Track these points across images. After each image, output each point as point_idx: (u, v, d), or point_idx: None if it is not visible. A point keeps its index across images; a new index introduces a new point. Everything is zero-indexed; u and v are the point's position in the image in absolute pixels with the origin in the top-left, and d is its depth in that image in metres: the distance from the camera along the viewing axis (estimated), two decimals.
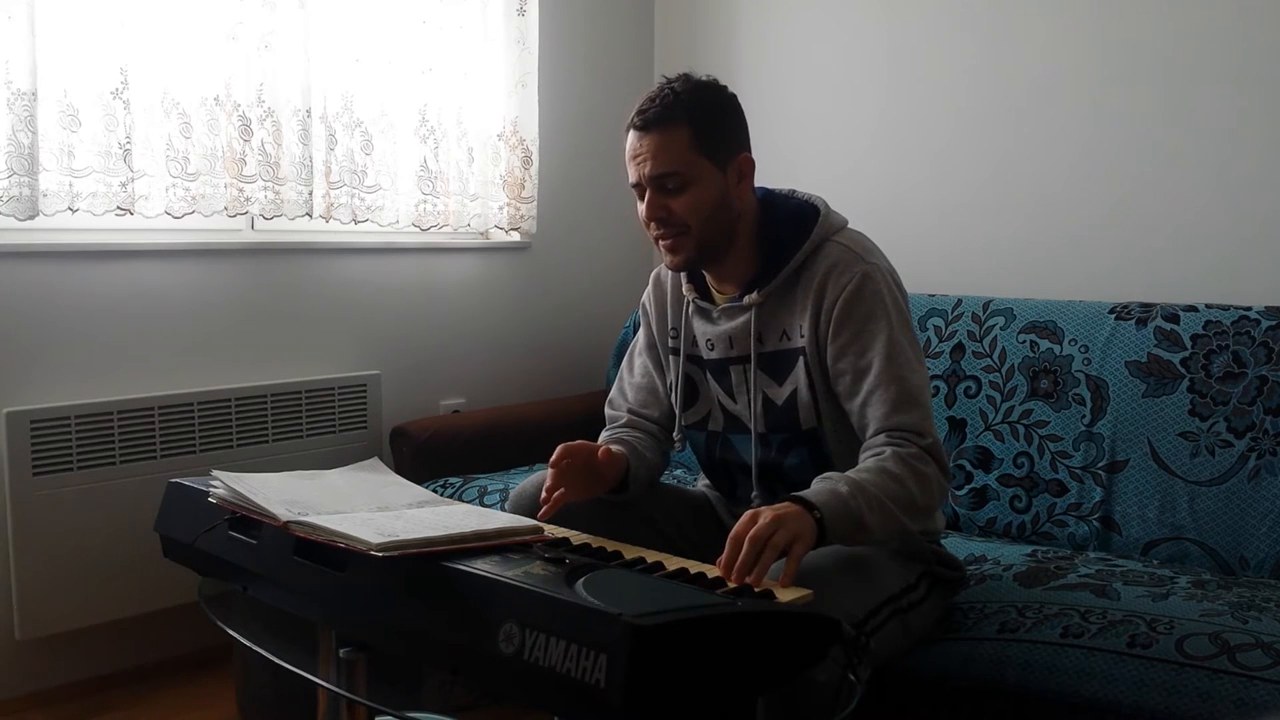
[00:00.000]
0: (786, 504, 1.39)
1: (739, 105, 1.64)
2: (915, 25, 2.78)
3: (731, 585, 1.24)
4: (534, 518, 1.51)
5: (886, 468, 1.47)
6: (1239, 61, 2.31)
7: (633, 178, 1.61)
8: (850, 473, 1.47)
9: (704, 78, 1.62)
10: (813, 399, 1.62)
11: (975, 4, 2.67)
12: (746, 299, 1.64)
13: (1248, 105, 2.30)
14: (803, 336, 1.61)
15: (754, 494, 1.69)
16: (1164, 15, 2.40)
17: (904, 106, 2.81)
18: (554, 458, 1.56)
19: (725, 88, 1.63)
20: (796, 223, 1.64)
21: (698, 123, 1.56)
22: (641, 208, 1.62)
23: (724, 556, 1.30)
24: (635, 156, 1.59)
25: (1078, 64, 2.52)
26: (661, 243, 1.63)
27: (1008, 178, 2.65)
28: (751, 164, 1.63)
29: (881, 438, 1.52)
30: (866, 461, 1.51)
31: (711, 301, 1.71)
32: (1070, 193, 2.55)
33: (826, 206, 1.67)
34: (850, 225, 1.67)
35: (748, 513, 1.34)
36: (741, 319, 1.66)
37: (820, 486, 1.44)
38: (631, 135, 1.60)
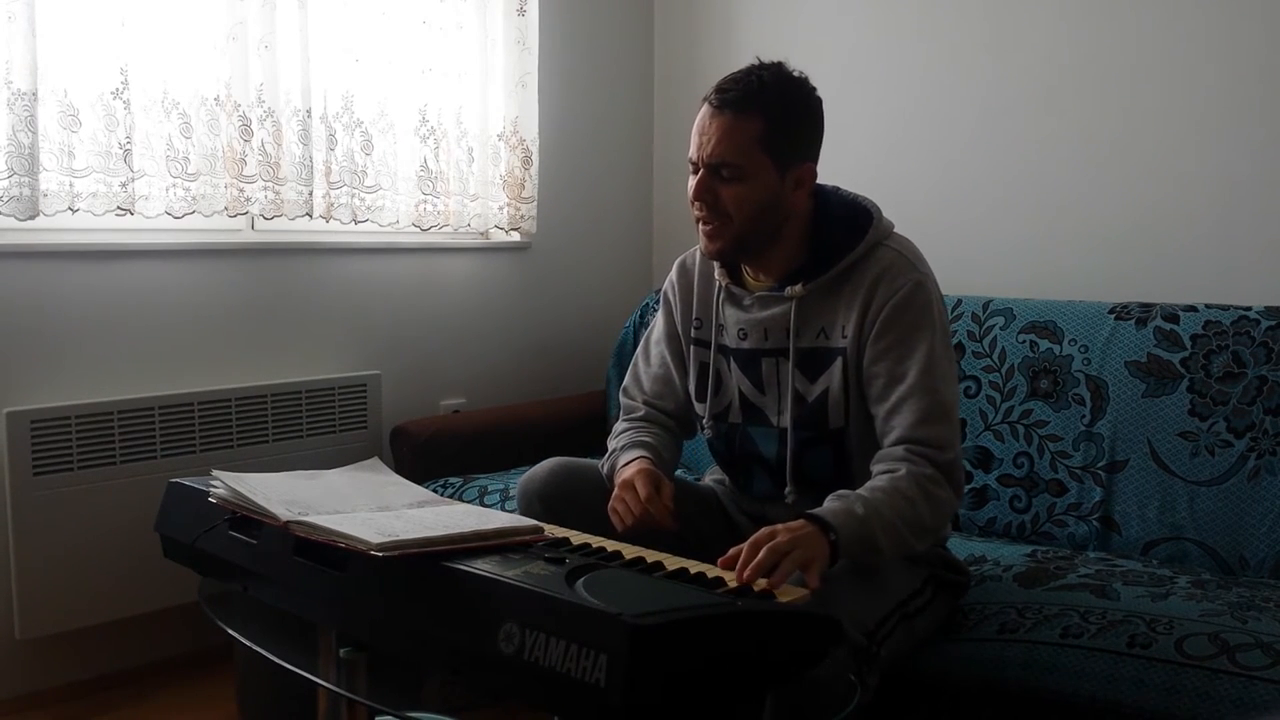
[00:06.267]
0: (802, 522, 1.37)
1: (821, 113, 1.59)
2: (915, 28, 2.78)
3: (733, 584, 1.24)
4: (541, 504, 1.51)
5: (900, 488, 1.46)
6: (1238, 62, 2.31)
7: (692, 153, 1.57)
8: (864, 491, 1.46)
9: (796, 73, 1.57)
10: (845, 400, 1.59)
11: (976, 6, 2.67)
12: (789, 290, 1.61)
13: (1247, 105, 2.30)
14: (845, 337, 1.58)
15: (788, 489, 1.67)
16: (1163, 17, 2.40)
17: (904, 107, 2.81)
18: (629, 524, 1.55)
19: (814, 91, 1.58)
20: (851, 223, 1.61)
21: (773, 119, 1.52)
22: (691, 182, 1.58)
23: (731, 557, 1.29)
24: (702, 133, 1.55)
25: (1077, 66, 2.52)
26: (702, 227, 1.59)
27: (1007, 178, 2.65)
28: (813, 174, 1.59)
29: (900, 450, 1.50)
30: (880, 478, 1.49)
31: (744, 288, 1.68)
32: (1070, 193, 2.55)
33: (878, 210, 1.63)
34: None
35: (766, 528, 1.33)
36: (779, 309, 1.63)
37: (836, 506, 1.42)
38: (705, 110, 1.55)
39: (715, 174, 1.54)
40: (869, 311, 1.56)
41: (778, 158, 1.54)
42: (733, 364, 1.70)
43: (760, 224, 1.57)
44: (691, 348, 1.76)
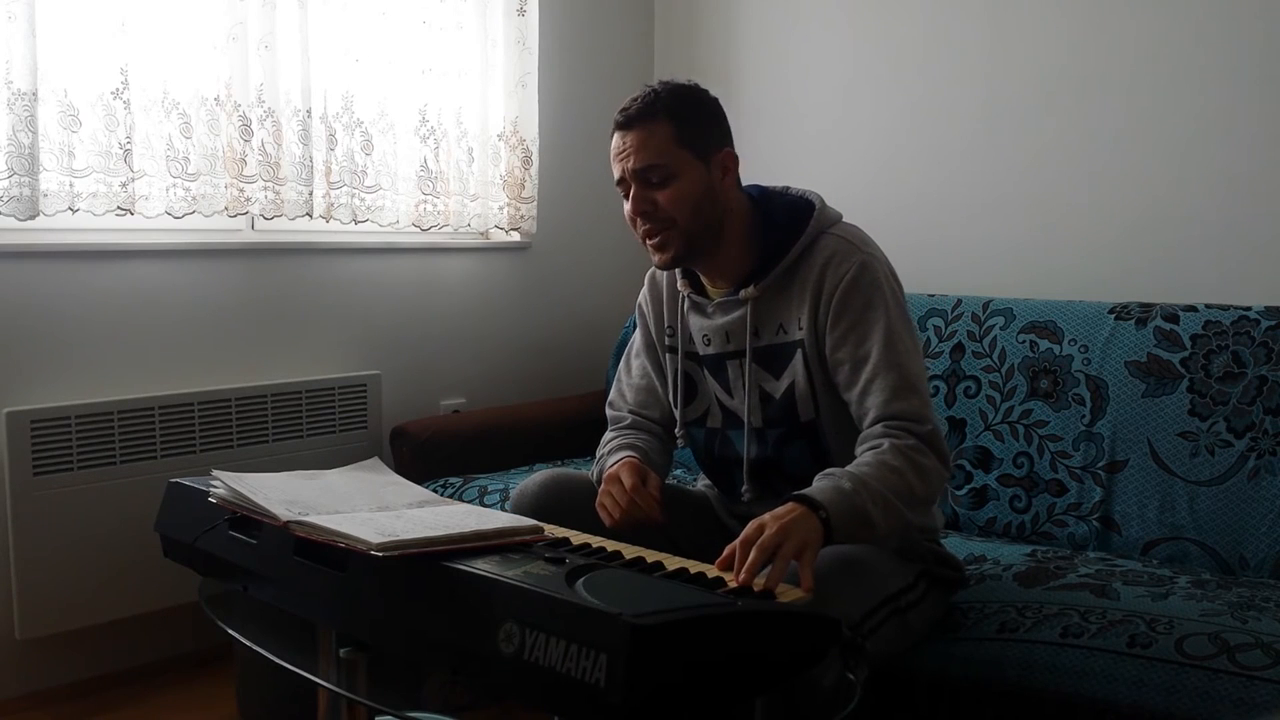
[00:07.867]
0: (790, 506, 1.38)
1: (719, 106, 1.67)
2: (916, 28, 2.78)
3: (733, 584, 1.24)
4: (535, 517, 1.52)
5: (885, 461, 1.47)
6: (1237, 61, 2.31)
7: (617, 175, 1.63)
8: (851, 468, 1.47)
9: (685, 81, 1.65)
10: (811, 392, 1.62)
11: (976, 8, 2.67)
12: (743, 293, 1.65)
13: (1247, 105, 2.30)
14: (801, 329, 1.61)
15: (744, 488, 1.70)
16: (1162, 18, 2.40)
17: (904, 107, 2.81)
18: (617, 517, 1.57)
19: (706, 91, 1.66)
20: (792, 217, 1.65)
21: (678, 117, 1.59)
22: (627, 206, 1.63)
23: (726, 558, 1.29)
24: (619, 154, 1.62)
25: (1076, 66, 2.52)
26: (649, 241, 1.63)
27: (1008, 178, 2.65)
28: (735, 160, 1.65)
29: (879, 428, 1.53)
30: (864, 455, 1.50)
31: (706, 296, 1.72)
32: (1070, 193, 2.55)
33: (821, 201, 1.67)
34: (845, 220, 1.68)
35: (753, 521, 1.34)
36: (737, 313, 1.67)
37: (823, 484, 1.44)
38: (615, 135, 1.63)
39: (646, 183, 1.60)
40: (820, 299, 1.60)
41: (696, 149, 1.60)
42: (705, 370, 1.74)
43: (702, 218, 1.61)
44: (667, 357, 1.80)
